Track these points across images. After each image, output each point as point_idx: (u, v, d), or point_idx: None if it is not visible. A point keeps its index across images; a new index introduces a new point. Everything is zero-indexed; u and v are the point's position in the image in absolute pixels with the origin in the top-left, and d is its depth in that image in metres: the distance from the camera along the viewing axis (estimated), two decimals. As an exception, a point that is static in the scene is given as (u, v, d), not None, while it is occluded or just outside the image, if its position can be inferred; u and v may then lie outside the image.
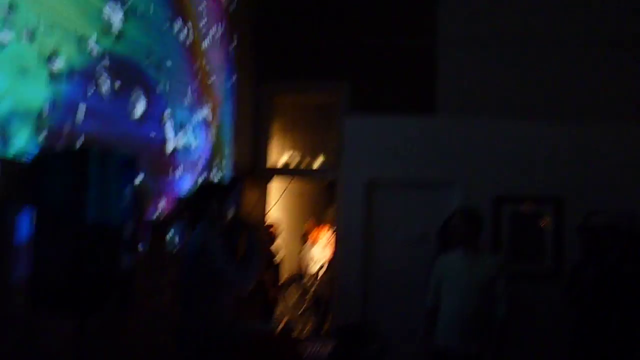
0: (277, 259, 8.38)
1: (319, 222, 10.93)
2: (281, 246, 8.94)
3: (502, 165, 6.21)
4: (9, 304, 2.96)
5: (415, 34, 7.30)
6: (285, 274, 9.81)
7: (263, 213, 7.52)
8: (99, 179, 2.81)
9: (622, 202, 5.79)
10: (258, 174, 7.50)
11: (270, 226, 7.88)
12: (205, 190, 3.85)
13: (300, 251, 11.59)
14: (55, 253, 2.82)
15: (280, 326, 3.58)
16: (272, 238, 7.71)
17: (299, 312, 9.22)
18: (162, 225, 4.65)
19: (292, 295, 10.57)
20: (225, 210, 3.66)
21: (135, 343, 4.21)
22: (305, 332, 8.14)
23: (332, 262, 7.88)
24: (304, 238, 9.92)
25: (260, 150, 7.55)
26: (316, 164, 7.89)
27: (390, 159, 6.26)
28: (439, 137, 6.28)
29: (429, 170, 6.22)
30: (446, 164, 6.21)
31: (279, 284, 9.04)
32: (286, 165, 7.85)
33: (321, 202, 14.93)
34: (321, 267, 9.01)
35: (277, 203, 8.69)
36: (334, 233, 7.90)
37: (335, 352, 3.64)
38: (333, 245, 8.02)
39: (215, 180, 4.11)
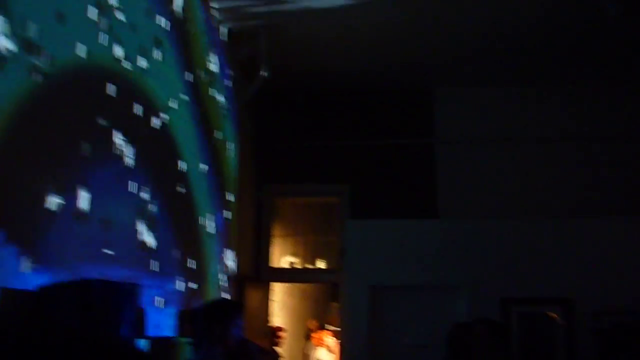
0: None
1: (321, 321, 10.73)
2: (286, 346, 8.73)
3: (508, 266, 6.16)
4: None
5: (413, 134, 7.43)
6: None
7: (266, 315, 7.39)
8: (102, 309, 2.77)
9: (631, 297, 5.72)
10: (261, 276, 7.43)
11: (280, 329, 7.74)
12: (208, 312, 3.81)
13: (304, 350, 11.32)
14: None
15: None
16: (278, 341, 7.54)
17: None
18: (169, 343, 4.55)
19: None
20: (228, 334, 3.61)
21: None
22: None
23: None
24: (307, 337, 9.71)
25: (262, 252, 7.52)
26: (318, 266, 7.83)
27: (394, 262, 6.22)
28: (443, 240, 6.26)
29: (433, 273, 6.16)
30: (451, 266, 6.16)
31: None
32: (289, 266, 7.80)
33: (323, 301, 14.75)
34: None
35: (280, 302, 8.58)
36: (339, 336, 7.75)
37: None
38: (338, 348, 7.84)
39: (218, 301, 4.07)
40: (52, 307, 2.86)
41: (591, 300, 5.99)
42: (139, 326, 3.23)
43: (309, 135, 7.55)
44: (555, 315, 6.08)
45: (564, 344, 6.03)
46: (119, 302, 2.92)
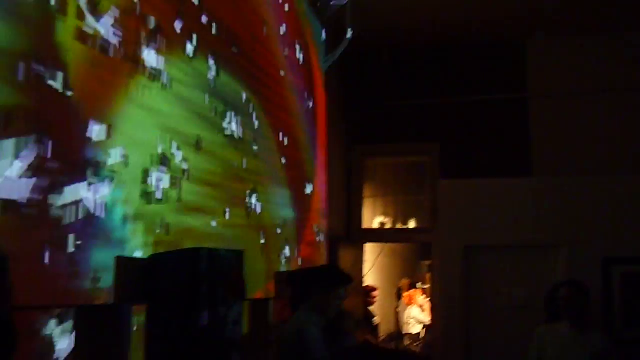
0: (375, 322, 8.27)
1: (412, 280, 10.75)
2: (377, 304, 8.83)
3: (609, 224, 5.91)
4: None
5: (505, 88, 7.18)
6: (383, 332, 9.66)
7: (360, 275, 7.48)
8: (208, 277, 2.89)
9: None
10: (352, 236, 7.50)
11: (373, 289, 7.82)
12: (314, 277, 3.82)
13: (396, 309, 11.40)
14: (169, 351, 2.90)
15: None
16: (372, 301, 7.64)
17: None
18: (263, 302, 4.70)
19: (389, 356, 10.34)
20: (332, 302, 3.60)
21: None
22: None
23: (431, 326, 7.70)
24: (398, 296, 9.77)
25: (353, 214, 7.57)
26: (409, 226, 7.82)
27: (489, 222, 6.11)
28: (539, 198, 6.07)
29: (530, 233, 6.01)
30: (548, 225, 5.98)
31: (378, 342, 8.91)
32: (380, 227, 7.82)
33: (413, 259, 14.75)
34: (421, 329, 8.82)
35: (370, 262, 8.65)
36: (431, 296, 7.75)
37: None
38: (430, 308, 7.86)
39: (327, 267, 4.02)
40: (159, 277, 3.01)
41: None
42: (241, 290, 3.32)
43: (398, 94, 7.46)
44: None
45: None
46: (225, 270, 3.04)
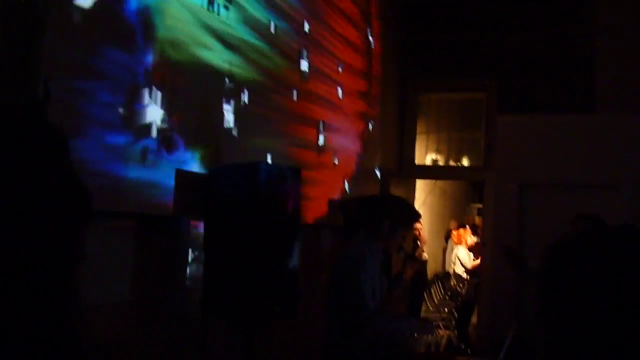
0: (423, 257, 8.26)
1: (461, 221, 10.65)
2: (426, 245, 8.80)
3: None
4: (183, 309, 3.13)
5: (571, 21, 6.84)
6: (430, 272, 9.66)
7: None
8: (268, 191, 2.88)
9: None
10: (404, 172, 7.43)
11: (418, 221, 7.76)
12: (388, 205, 3.73)
13: (445, 250, 11.36)
14: (227, 263, 2.93)
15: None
16: (418, 238, 7.60)
17: (444, 312, 9.03)
18: (319, 228, 4.71)
19: (436, 294, 10.38)
20: (397, 235, 3.49)
21: (301, 350, 4.29)
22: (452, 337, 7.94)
23: (480, 267, 7.63)
24: (447, 236, 9.72)
25: (406, 149, 7.47)
26: (463, 164, 7.68)
27: (547, 160, 5.91)
28: (601, 136, 5.82)
29: (590, 171, 5.80)
30: (609, 164, 5.75)
31: (425, 282, 8.92)
32: (433, 163, 7.71)
33: (463, 200, 14.61)
34: (468, 271, 8.76)
35: (420, 200, 8.58)
36: (481, 236, 7.67)
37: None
38: (479, 249, 7.78)
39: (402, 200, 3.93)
40: (218, 190, 3.02)
41: None
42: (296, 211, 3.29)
43: (454, 28, 7.19)
44: None
45: None
46: (283, 184, 3.03)
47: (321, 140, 4.79)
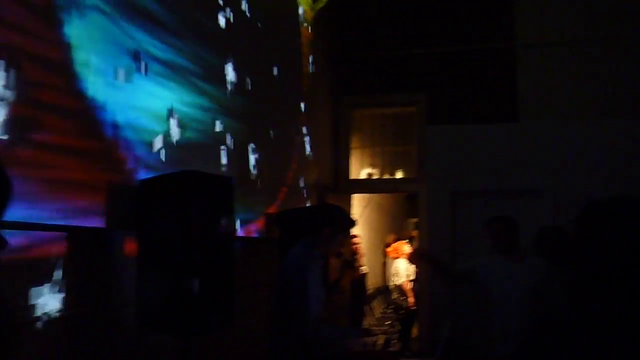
0: (362, 270, 8.36)
1: (399, 235, 10.84)
2: (365, 259, 8.91)
3: (593, 169, 5.97)
4: (119, 322, 3.09)
5: (492, 38, 7.17)
6: (370, 286, 9.76)
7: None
8: (201, 201, 2.89)
9: None
10: (340, 187, 7.53)
11: (354, 236, 7.87)
12: (324, 214, 3.81)
13: (384, 264, 11.50)
14: (160, 275, 2.92)
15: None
16: (356, 250, 7.70)
17: (386, 324, 9.13)
18: (255, 242, 4.73)
19: (378, 308, 10.48)
20: (335, 241, 3.58)
21: (235, 353, 4.29)
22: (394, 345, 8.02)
23: (418, 276, 7.78)
24: (385, 251, 9.86)
25: (341, 164, 7.60)
26: (397, 177, 7.85)
27: (475, 168, 6.15)
28: (525, 144, 6.11)
29: (516, 177, 6.05)
30: (534, 170, 6.03)
31: (365, 295, 8.99)
32: (368, 177, 7.85)
33: (400, 215, 14.87)
34: (408, 280, 8.90)
35: (359, 217, 8.69)
36: (419, 245, 7.82)
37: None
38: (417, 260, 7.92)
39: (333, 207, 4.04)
40: (150, 202, 3.01)
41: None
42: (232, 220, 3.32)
43: (384, 45, 7.42)
44: None
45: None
46: (217, 194, 3.04)
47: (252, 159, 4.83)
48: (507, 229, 4.45)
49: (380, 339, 3.59)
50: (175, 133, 3.53)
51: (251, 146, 4.77)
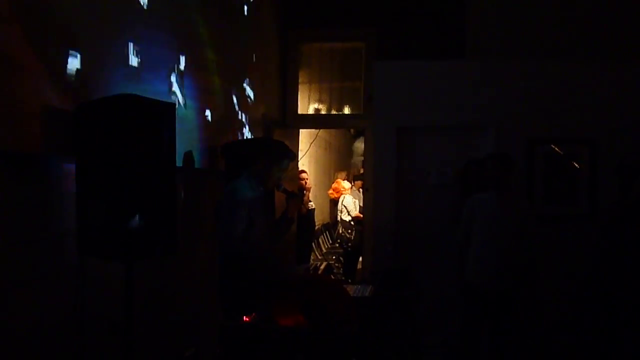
0: (310, 206, 8.45)
1: (347, 173, 10.96)
2: (312, 195, 8.99)
3: (535, 107, 6.11)
4: (59, 252, 3.06)
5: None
6: (317, 222, 9.90)
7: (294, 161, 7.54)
8: (139, 126, 2.83)
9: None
10: (287, 122, 7.50)
11: (303, 171, 7.92)
12: (262, 145, 3.91)
13: (331, 201, 11.64)
14: (100, 202, 2.87)
15: (322, 267, 3.64)
16: (304, 186, 7.75)
17: (332, 259, 9.33)
18: (201, 173, 4.70)
19: (325, 243, 10.68)
20: (274, 172, 3.71)
21: (179, 285, 4.32)
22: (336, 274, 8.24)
23: (364, 211, 7.92)
24: (333, 188, 9.98)
25: (288, 99, 7.54)
26: (344, 113, 7.86)
27: (422, 104, 6.19)
28: (470, 81, 6.17)
29: (460, 114, 6.14)
30: (478, 107, 6.12)
31: (314, 230, 9.14)
32: (316, 112, 7.84)
33: (348, 152, 14.99)
34: (353, 216, 9.06)
35: (306, 154, 8.72)
36: (365, 180, 7.93)
37: (376, 294, 3.70)
38: (363, 194, 8.06)
39: (269, 139, 4.15)
40: (86, 127, 2.93)
41: (616, 143, 6.01)
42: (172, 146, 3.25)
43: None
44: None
45: (587, 182, 6.12)
46: (155, 120, 2.97)
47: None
48: (498, 166, 4.80)
49: (322, 266, 3.68)
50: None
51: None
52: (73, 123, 2.93)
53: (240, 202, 3.48)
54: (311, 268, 3.59)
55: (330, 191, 9.99)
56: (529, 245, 4.75)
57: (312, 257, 9.05)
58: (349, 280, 6.96)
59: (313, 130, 9.07)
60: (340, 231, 9.11)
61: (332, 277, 3.72)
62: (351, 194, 9.27)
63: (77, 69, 3.05)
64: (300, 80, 7.64)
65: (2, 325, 2.56)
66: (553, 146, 6.07)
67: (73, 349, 3.09)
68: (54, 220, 3.05)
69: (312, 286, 3.02)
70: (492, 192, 4.85)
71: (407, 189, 6.29)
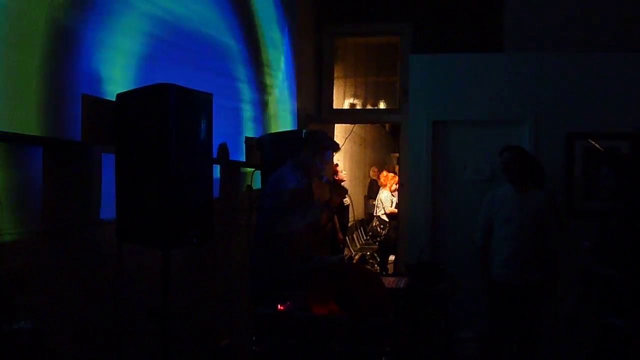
0: (345, 201, 8.46)
1: (382, 168, 10.93)
2: (348, 190, 8.99)
3: (575, 101, 5.99)
4: (99, 239, 3.12)
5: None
6: (352, 217, 9.90)
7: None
8: (178, 115, 2.87)
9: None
10: (322, 116, 7.51)
11: (336, 165, 7.93)
12: (307, 136, 3.94)
13: (365, 197, 11.64)
14: (138, 190, 2.93)
15: (356, 257, 3.64)
16: (339, 179, 7.76)
17: (367, 254, 9.33)
18: (236, 164, 4.74)
19: (359, 239, 10.68)
20: (318, 163, 3.73)
21: (213, 275, 4.37)
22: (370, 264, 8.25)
23: (399, 206, 7.89)
24: (369, 183, 9.98)
25: (324, 94, 7.55)
26: (379, 107, 7.83)
27: (458, 98, 6.13)
28: (508, 74, 6.08)
29: (498, 107, 6.06)
30: (516, 100, 6.04)
31: (347, 226, 9.14)
32: (351, 107, 7.82)
33: (383, 149, 14.95)
34: (387, 214, 9.05)
35: (342, 149, 8.72)
36: (400, 175, 7.89)
37: (410, 286, 3.69)
38: (398, 189, 8.03)
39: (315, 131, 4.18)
40: (128, 116, 2.99)
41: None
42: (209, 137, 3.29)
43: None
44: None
45: (630, 177, 5.97)
46: (194, 110, 3.02)
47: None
48: (515, 158, 4.76)
49: (357, 256, 3.69)
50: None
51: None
52: (113, 112, 2.99)
53: (285, 191, 3.51)
54: (346, 258, 3.60)
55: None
56: (553, 238, 4.67)
57: (345, 252, 9.06)
58: (383, 272, 6.96)
59: (348, 125, 9.06)
60: (374, 224, 9.10)
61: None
62: (389, 189, 9.24)
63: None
64: (335, 75, 7.64)
65: (45, 310, 2.62)
66: (591, 141, 5.94)
67: (111, 335, 3.15)
68: (94, 208, 3.11)
69: (346, 275, 3.03)
70: (508, 186, 4.83)
71: (442, 183, 6.23)
